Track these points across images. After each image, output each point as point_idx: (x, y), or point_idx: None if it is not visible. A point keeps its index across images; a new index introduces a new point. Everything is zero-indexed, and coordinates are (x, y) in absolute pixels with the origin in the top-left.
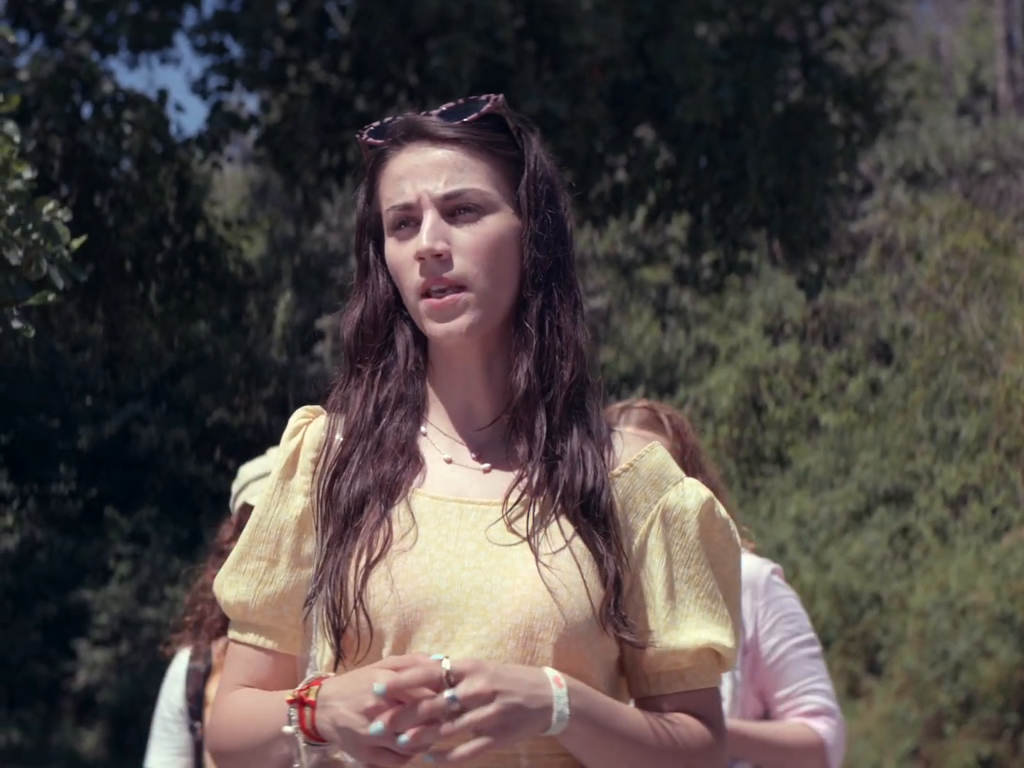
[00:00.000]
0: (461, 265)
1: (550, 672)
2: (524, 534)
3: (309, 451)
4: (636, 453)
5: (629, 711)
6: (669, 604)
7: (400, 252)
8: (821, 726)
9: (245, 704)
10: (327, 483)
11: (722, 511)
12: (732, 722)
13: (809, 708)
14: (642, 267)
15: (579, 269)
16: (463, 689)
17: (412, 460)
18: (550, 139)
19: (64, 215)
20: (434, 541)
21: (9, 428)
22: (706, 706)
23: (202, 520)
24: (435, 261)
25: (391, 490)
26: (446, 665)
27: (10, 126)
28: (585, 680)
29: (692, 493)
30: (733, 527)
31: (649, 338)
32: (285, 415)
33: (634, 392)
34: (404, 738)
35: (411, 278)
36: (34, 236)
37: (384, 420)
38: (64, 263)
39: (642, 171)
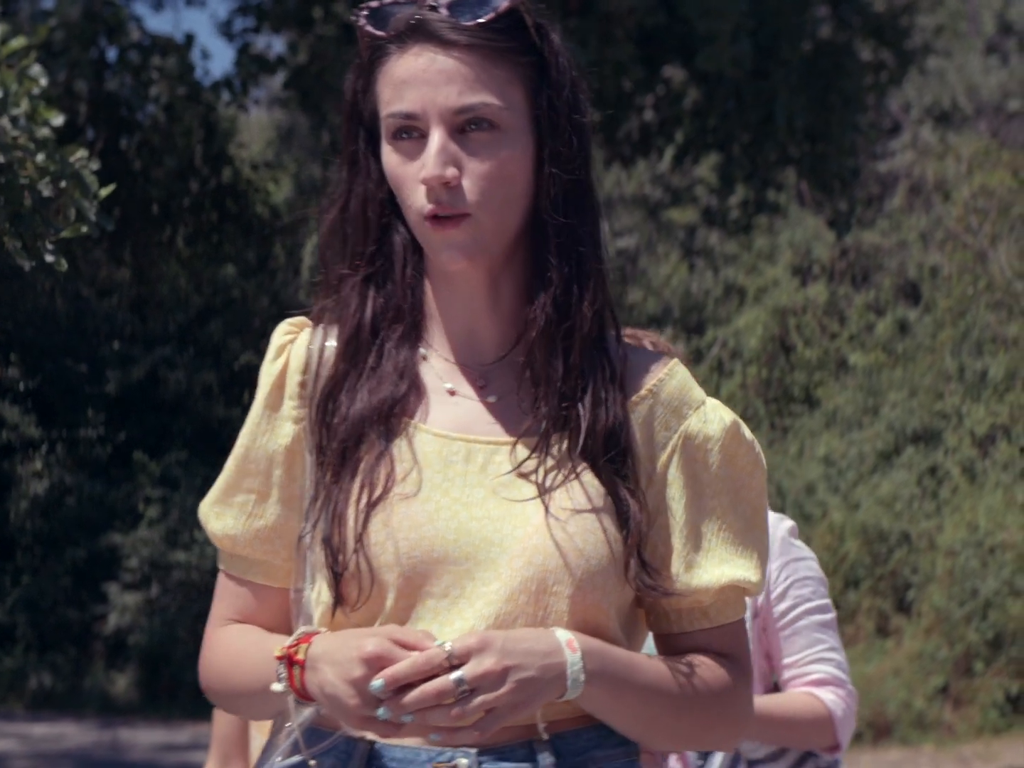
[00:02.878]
0: (472, 192)
1: (562, 635)
2: (536, 479)
3: (296, 373)
4: (656, 376)
5: (647, 664)
6: (691, 541)
7: (401, 167)
8: (828, 696)
9: (236, 649)
10: (319, 407)
11: (747, 433)
12: None
13: (816, 677)
14: (670, 208)
15: (606, 210)
16: (471, 670)
17: (412, 387)
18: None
19: (93, 164)
20: (439, 487)
21: (36, 374)
22: (730, 641)
23: None
24: (443, 188)
25: (390, 421)
26: (447, 648)
27: (36, 69)
28: (600, 631)
29: (715, 418)
30: (758, 448)
31: (677, 279)
32: None
33: (663, 333)
34: (383, 712)
35: (415, 199)
36: (62, 184)
37: (382, 334)
38: (92, 213)
39: (670, 111)
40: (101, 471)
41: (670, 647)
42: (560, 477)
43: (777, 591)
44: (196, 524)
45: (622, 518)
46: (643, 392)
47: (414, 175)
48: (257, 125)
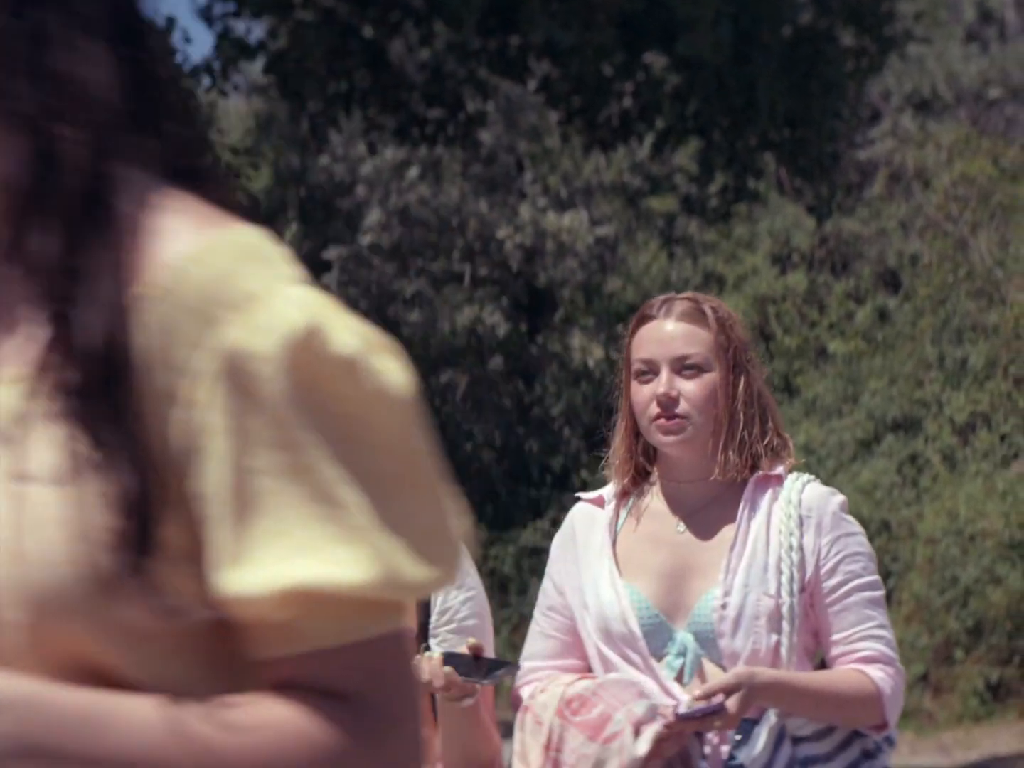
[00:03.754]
0: None
1: None
2: None
3: None
4: (179, 261)
5: (124, 724)
6: (239, 521)
7: None
8: (878, 674)
9: None
10: None
11: (344, 342)
12: (783, 674)
13: (865, 654)
14: (649, 196)
15: (585, 198)
16: None
17: None
18: (558, 65)
19: None
20: None
21: None
22: (345, 674)
23: None
24: None
25: None
26: None
27: None
28: (102, 674)
29: (275, 323)
30: (391, 374)
31: (656, 267)
32: None
33: None
34: None
35: None
36: None
37: None
38: None
39: (651, 96)
40: None
41: (268, 678)
42: (18, 437)
43: (827, 566)
44: None
45: (110, 498)
46: (158, 287)
47: None
48: (235, 114)
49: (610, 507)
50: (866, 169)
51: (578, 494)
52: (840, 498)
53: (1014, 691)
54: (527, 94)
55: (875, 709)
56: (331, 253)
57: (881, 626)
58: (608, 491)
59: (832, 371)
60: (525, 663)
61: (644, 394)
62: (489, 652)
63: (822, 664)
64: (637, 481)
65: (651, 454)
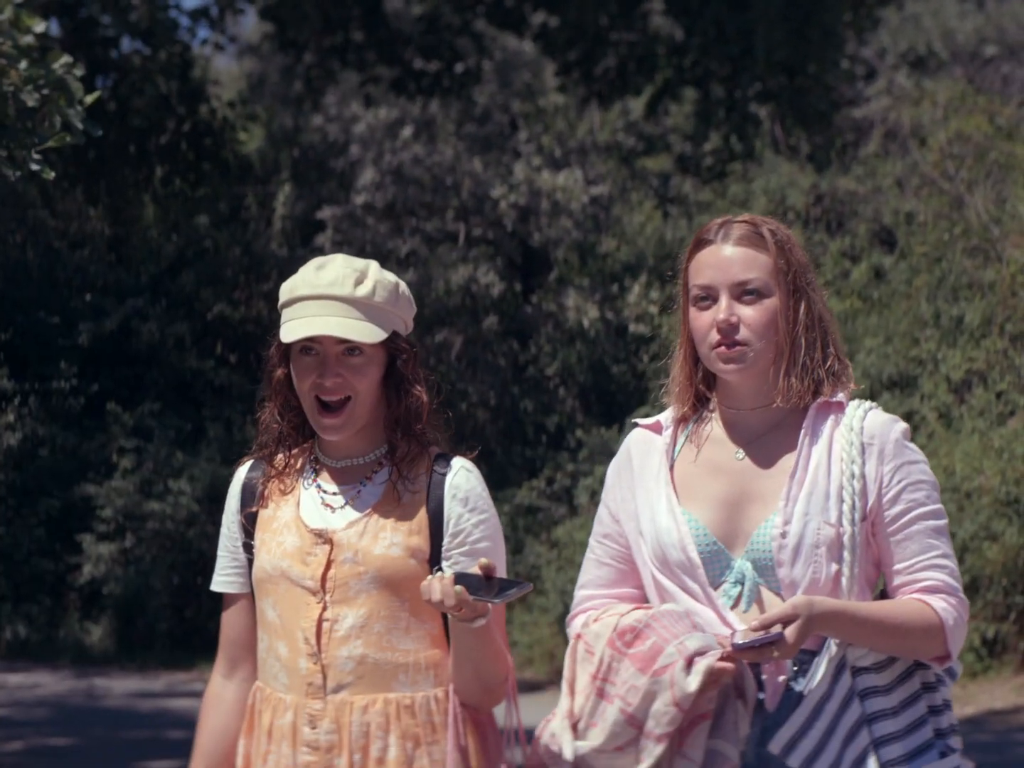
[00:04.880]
0: None
1: None
2: None
3: None
4: None
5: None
6: None
7: None
8: (940, 604)
9: None
10: None
11: None
12: (842, 603)
13: (928, 584)
14: (643, 156)
15: (580, 157)
16: None
17: None
18: (556, 14)
19: (77, 70)
20: None
21: (9, 326)
22: None
23: (205, 413)
24: None
25: None
26: None
27: None
28: None
29: None
30: None
31: (651, 227)
32: None
33: (636, 281)
34: None
35: None
36: (46, 92)
37: None
38: (78, 120)
39: (649, 48)
40: (74, 422)
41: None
42: None
43: (890, 494)
44: (170, 474)
45: None
46: None
47: None
48: (227, 76)
49: (668, 433)
50: (862, 127)
51: (635, 419)
52: (903, 425)
53: (1010, 646)
54: (523, 52)
55: (937, 640)
56: (325, 213)
57: (944, 555)
58: (666, 417)
59: None
60: (580, 591)
61: (704, 320)
62: (501, 572)
63: (882, 595)
64: (696, 407)
65: (711, 380)
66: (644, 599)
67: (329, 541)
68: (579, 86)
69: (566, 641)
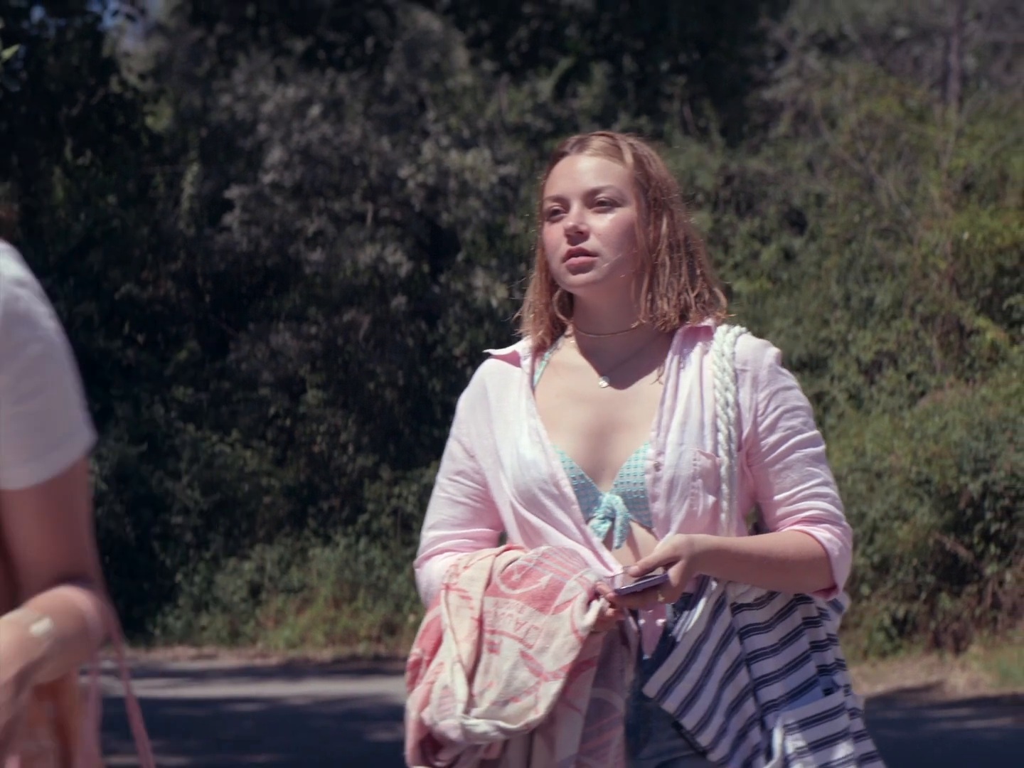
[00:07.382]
0: None
1: None
2: None
3: None
4: None
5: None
6: None
7: None
8: (824, 534)
9: None
10: None
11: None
12: (723, 540)
13: (810, 514)
14: (551, 138)
15: (489, 138)
16: None
17: None
18: None
19: None
20: None
21: None
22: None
23: (112, 393)
24: None
25: None
26: None
27: None
28: None
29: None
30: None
31: None
32: (193, 288)
33: None
34: None
35: None
36: None
37: None
38: None
39: (562, 20)
40: None
41: None
42: None
43: (766, 423)
44: None
45: None
46: None
47: None
48: (135, 58)
49: (526, 363)
50: (771, 108)
51: (488, 351)
52: (775, 350)
53: (920, 626)
54: (432, 31)
55: (823, 572)
56: (233, 192)
57: (825, 483)
58: (523, 346)
59: (737, 310)
60: (430, 532)
61: (554, 233)
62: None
63: (755, 528)
64: (554, 335)
65: (568, 306)
66: (498, 540)
67: None
68: (491, 58)
69: None
